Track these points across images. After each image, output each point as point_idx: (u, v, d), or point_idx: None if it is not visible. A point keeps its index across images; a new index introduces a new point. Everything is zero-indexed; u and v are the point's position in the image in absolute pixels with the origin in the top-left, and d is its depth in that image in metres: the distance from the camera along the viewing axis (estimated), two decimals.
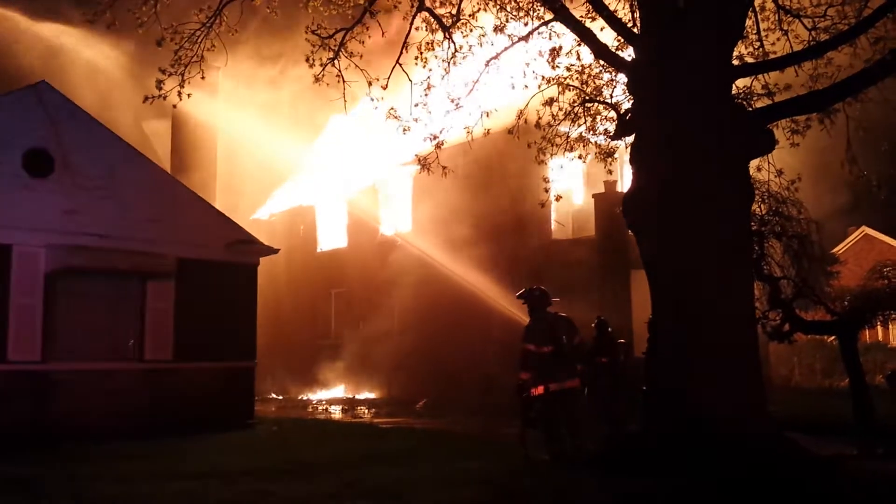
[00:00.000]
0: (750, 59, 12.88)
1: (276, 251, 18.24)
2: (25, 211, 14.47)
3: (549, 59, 13.14)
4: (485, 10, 12.93)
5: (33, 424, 13.91)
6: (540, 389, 10.30)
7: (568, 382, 10.44)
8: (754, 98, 12.64)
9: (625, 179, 21.48)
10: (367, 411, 22.30)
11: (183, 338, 16.03)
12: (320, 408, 24.41)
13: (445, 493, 8.55)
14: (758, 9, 12.80)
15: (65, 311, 14.89)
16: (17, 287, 14.40)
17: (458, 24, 12.55)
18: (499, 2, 12.82)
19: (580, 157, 14.25)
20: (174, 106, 12.03)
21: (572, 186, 23.34)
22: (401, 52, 12.55)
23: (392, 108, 12.92)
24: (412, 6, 12.21)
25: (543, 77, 13.26)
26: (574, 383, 10.51)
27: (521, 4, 12.80)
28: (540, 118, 13.45)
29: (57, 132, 15.05)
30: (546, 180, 14.26)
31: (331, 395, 26.83)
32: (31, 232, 14.51)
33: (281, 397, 27.21)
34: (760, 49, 13.06)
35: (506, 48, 12.76)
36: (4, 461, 11.54)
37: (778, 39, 13.07)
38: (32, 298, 14.52)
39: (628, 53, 11.96)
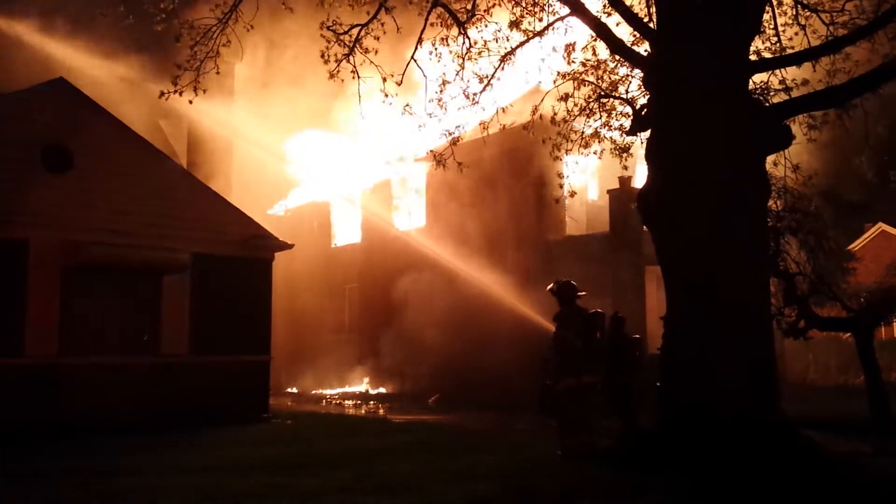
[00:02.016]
0: (767, 54, 12.78)
1: (290, 246, 18.30)
2: (43, 206, 14.56)
3: (565, 55, 13.10)
4: (500, 5, 12.91)
5: (48, 417, 14.01)
6: (571, 382, 10.31)
7: (596, 378, 10.54)
8: (771, 93, 12.55)
9: (639, 175, 21.41)
10: (380, 406, 22.36)
11: (198, 332, 16.11)
12: (334, 402, 24.50)
13: (457, 487, 8.55)
14: (775, 3, 12.71)
15: (81, 305, 15.00)
16: (35, 282, 14.51)
17: (473, 19, 12.53)
18: None
19: (595, 153, 14.20)
20: (190, 102, 12.06)
21: (587, 182, 23.27)
22: (415, 48, 12.55)
23: (407, 105, 12.93)
24: (427, 1, 12.20)
25: (559, 72, 13.22)
26: (598, 379, 10.60)
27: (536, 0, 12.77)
28: (555, 114, 13.42)
29: (74, 128, 15.14)
30: (561, 176, 14.23)
31: (345, 390, 26.91)
32: (48, 227, 14.61)
33: (296, 391, 27.32)
34: (777, 44, 12.96)
35: (521, 44, 12.73)
36: (19, 453, 11.66)
37: (795, 34, 12.97)
38: (49, 293, 14.63)
39: (644, 49, 11.91)
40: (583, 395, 10.38)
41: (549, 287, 10.87)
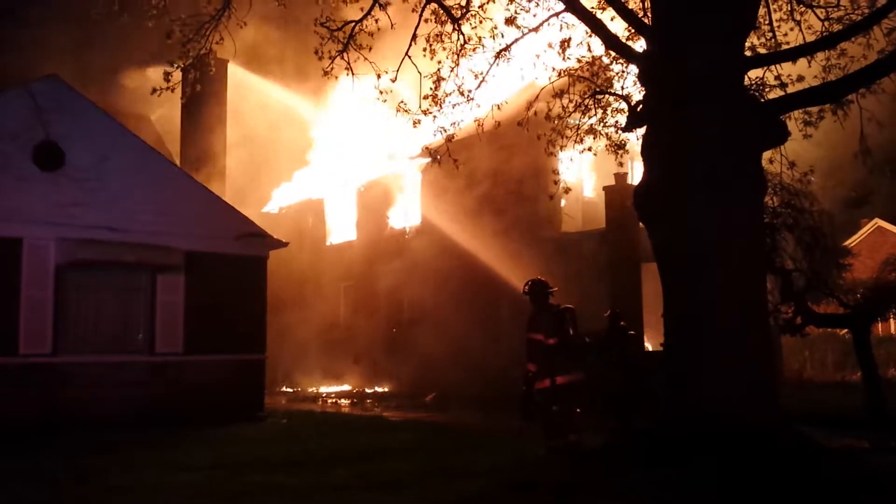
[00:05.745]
0: (762, 50, 12.77)
1: (285, 244, 18.24)
2: (36, 204, 14.49)
3: (560, 51, 13.06)
4: (494, 1, 12.85)
5: (44, 416, 13.96)
6: (546, 382, 10.22)
7: (574, 376, 10.35)
8: (767, 89, 12.53)
9: (635, 172, 21.39)
10: (376, 405, 22.31)
11: (193, 330, 16.06)
12: (330, 401, 24.45)
13: (453, 485, 8.53)
14: None
15: (75, 304, 14.94)
16: (28, 280, 14.44)
17: (468, 15, 12.47)
18: None
19: (590, 149, 14.16)
20: (182, 100, 12.00)
21: (582, 179, 23.24)
22: (410, 45, 12.49)
23: (402, 102, 12.87)
24: None
25: (554, 69, 13.18)
26: (579, 377, 10.42)
27: None
28: (550, 110, 13.38)
29: (67, 126, 15.05)
30: (556, 172, 14.20)
31: (340, 388, 26.87)
32: (41, 225, 14.53)
33: (291, 390, 27.27)
34: (773, 40, 12.94)
35: (516, 40, 12.68)
36: (15, 451, 11.61)
37: (791, 30, 12.96)
38: (43, 291, 14.56)
39: (640, 44, 11.87)
40: (562, 395, 10.24)
41: (523, 291, 10.79)
